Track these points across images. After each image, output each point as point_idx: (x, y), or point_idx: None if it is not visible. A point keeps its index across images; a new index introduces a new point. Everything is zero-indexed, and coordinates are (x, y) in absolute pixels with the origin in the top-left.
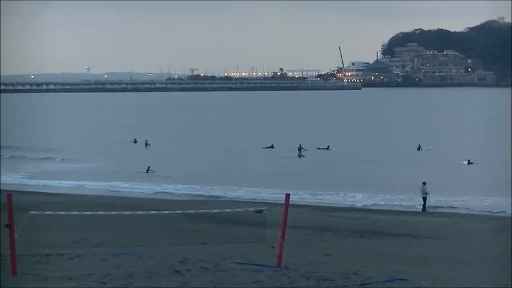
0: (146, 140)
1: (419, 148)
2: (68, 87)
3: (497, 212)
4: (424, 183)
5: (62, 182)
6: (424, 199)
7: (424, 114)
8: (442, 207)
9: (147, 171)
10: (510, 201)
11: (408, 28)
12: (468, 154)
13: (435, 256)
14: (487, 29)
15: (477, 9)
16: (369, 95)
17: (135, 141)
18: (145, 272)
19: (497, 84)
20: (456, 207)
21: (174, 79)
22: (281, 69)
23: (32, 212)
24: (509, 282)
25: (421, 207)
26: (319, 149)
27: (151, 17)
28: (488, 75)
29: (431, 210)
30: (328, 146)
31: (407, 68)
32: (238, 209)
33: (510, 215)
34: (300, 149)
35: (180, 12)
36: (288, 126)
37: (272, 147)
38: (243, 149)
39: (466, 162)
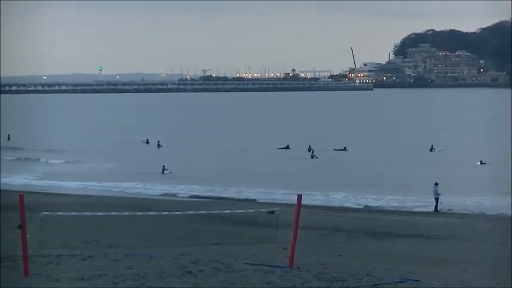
0: (158, 141)
1: (431, 149)
2: (80, 88)
3: (496, 214)
4: (436, 184)
5: (74, 183)
6: (436, 200)
7: (435, 115)
8: (454, 208)
9: (162, 171)
10: None
11: (420, 29)
12: (480, 154)
13: (448, 257)
14: (499, 30)
15: (489, 9)
16: (381, 95)
17: (147, 142)
18: (158, 272)
19: (509, 84)
20: (468, 208)
21: (186, 80)
22: (293, 70)
23: (43, 212)
24: None
25: (433, 208)
26: (335, 150)
27: (163, 18)
28: (500, 75)
29: (443, 211)
30: (345, 147)
31: (420, 69)
32: (250, 210)
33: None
34: (310, 149)
35: (192, 13)
36: (304, 127)
37: (287, 147)
38: (258, 149)
39: (479, 163)
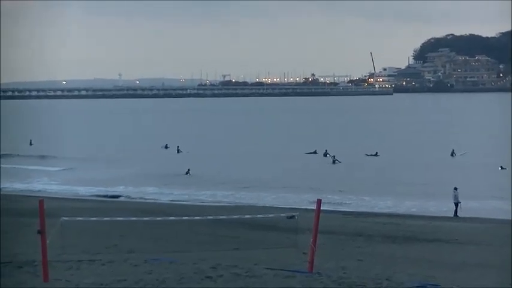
0: (178, 146)
1: (453, 153)
2: (100, 93)
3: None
4: (455, 188)
5: (94, 188)
6: (456, 204)
7: (455, 119)
8: (474, 212)
9: (186, 173)
10: None
11: (440, 33)
12: (501, 160)
13: (467, 261)
14: None
15: (509, 14)
16: (401, 100)
17: (167, 147)
18: (177, 277)
19: None
20: (488, 213)
21: (205, 85)
22: (313, 74)
23: (63, 218)
24: None
25: (453, 212)
26: (367, 155)
27: (183, 23)
28: None
29: (463, 215)
30: (376, 152)
31: (439, 74)
32: (270, 215)
33: None
34: (326, 154)
35: (211, 18)
36: (329, 132)
37: (315, 152)
38: (282, 154)
39: (499, 168)
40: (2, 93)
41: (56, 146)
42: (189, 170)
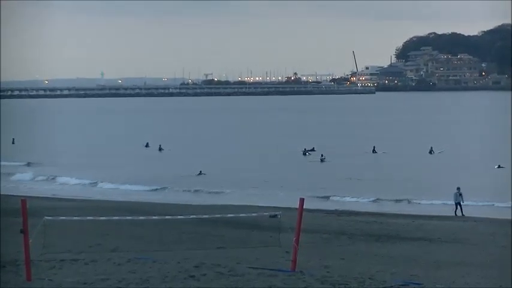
0: (160, 145)
1: (431, 151)
2: (82, 92)
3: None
4: (458, 188)
5: (78, 187)
6: (457, 204)
7: (438, 118)
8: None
9: (199, 174)
10: None
11: (422, 32)
12: (500, 158)
13: (451, 260)
14: (501, 32)
15: (491, 12)
16: (383, 99)
17: (147, 145)
18: (161, 276)
19: (511, 87)
20: (473, 212)
21: (188, 84)
22: (295, 73)
23: (46, 217)
24: None
25: (458, 212)
26: (366, 153)
27: (165, 22)
28: (502, 78)
29: (442, 214)
30: (374, 147)
31: (422, 72)
32: (253, 214)
33: None
34: (305, 153)
35: (193, 17)
36: (318, 131)
37: (313, 150)
38: (267, 153)
39: (497, 167)
40: None
41: (39, 145)
42: (201, 171)
